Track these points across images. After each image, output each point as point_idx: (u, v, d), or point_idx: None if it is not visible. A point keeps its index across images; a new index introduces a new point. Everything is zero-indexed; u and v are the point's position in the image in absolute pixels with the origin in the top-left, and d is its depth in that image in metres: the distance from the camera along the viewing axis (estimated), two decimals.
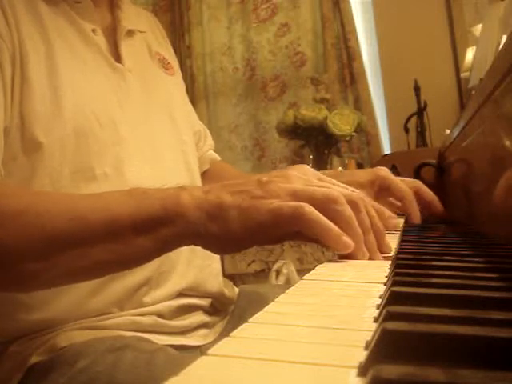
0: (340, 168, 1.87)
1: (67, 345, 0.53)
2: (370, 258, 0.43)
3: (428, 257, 0.40)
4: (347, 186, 0.47)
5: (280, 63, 2.30)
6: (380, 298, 0.27)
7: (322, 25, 2.21)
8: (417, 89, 1.76)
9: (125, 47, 0.68)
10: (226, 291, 0.73)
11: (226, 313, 0.73)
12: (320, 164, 1.88)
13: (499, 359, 0.16)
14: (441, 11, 2.09)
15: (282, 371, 0.17)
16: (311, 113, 1.83)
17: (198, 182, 0.75)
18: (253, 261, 1.75)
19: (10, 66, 0.55)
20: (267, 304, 0.26)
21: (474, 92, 0.85)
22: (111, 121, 0.61)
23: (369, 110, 2.10)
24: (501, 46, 0.51)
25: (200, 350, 0.63)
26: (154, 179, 0.64)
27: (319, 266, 0.39)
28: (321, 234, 0.40)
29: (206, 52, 2.40)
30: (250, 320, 0.23)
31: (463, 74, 1.95)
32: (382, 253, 0.45)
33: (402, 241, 0.53)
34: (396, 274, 0.31)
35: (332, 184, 0.46)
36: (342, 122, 1.80)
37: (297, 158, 2.22)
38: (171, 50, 0.85)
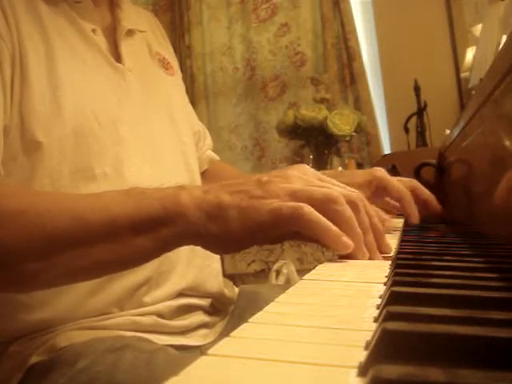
0: (340, 168, 1.87)
1: (67, 345, 0.53)
2: (369, 258, 0.43)
3: (428, 257, 0.40)
4: (347, 186, 0.47)
5: (280, 63, 2.30)
6: (380, 297, 0.27)
7: (322, 25, 2.21)
8: (417, 89, 1.76)
9: (125, 47, 0.68)
10: (226, 291, 0.73)
11: (226, 313, 0.73)
12: (320, 164, 1.88)
13: (499, 359, 0.16)
14: (441, 11, 2.09)
15: (282, 371, 0.17)
16: (311, 113, 1.83)
17: (198, 182, 0.75)
18: (253, 261, 1.75)
19: (10, 65, 0.55)
20: (267, 304, 0.26)
21: (474, 92, 0.85)
22: (111, 121, 0.61)
23: (369, 110, 2.10)
24: (501, 46, 0.51)
25: (200, 350, 0.63)
26: (154, 179, 0.64)
27: (319, 266, 0.39)
28: (320, 234, 0.40)
29: (206, 52, 2.40)
30: (250, 320, 0.23)
31: (463, 74, 1.95)
32: (381, 253, 0.45)
33: (402, 241, 0.53)
34: (396, 274, 0.31)
35: (332, 184, 0.46)
36: (342, 122, 1.80)
37: (297, 158, 2.22)
38: (171, 50, 0.85)
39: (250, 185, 0.43)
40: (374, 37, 2.20)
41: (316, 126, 1.83)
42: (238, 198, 0.42)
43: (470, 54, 1.84)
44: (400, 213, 0.72)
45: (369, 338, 0.20)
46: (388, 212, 0.71)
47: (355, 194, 0.45)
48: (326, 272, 0.37)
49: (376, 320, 0.23)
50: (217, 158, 0.91)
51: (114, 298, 0.58)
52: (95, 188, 0.58)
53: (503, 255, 0.42)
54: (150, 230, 0.43)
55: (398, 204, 0.68)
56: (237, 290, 0.79)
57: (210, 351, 0.18)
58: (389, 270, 0.36)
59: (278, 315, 0.24)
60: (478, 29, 1.67)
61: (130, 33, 0.71)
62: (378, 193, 0.67)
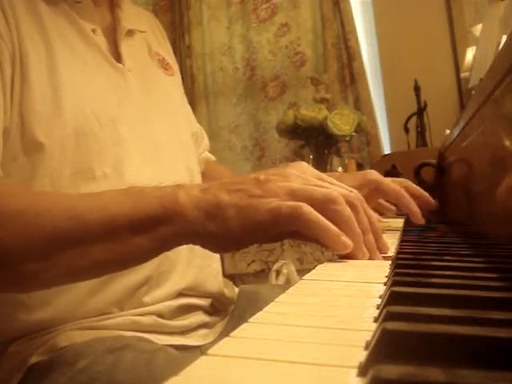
0: (340, 168, 1.87)
1: (67, 345, 0.53)
2: (369, 258, 0.43)
3: (428, 257, 0.40)
4: (346, 186, 0.46)
5: (280, 63, 2.30)
6: (380, 297, 0.27)
7: (322, 25, 2.21)
8: (417, 89, 1.76)
9: (125, 47, 0.68)
10: (226, 291, 0.73)
11: (226, 313, 0.73)
12: (320, 164, 1.88)
13: (499, 359, 0.16)
14: (441, 11, 2.09)
15: (282, 371, 0.17)
16: (311, 113, 1.83)
17: (198, 181, 0.75)
18: (253, 261, 1.75)
19: (10, 66, 0.55)
20: (267, 304, 0.26)
21: (474, 92, 0.85)
22: (111, 121, 0.61)
23: (369, 110, 2.10)
24: (501, 46, 0.51)
25: (200, 350, 0.63)
26: (154, 179, 0.64)
27: (319, 266, 0.39)
28: (320, 233, 0.40)
29: (206, 52, 2.40)
30: (250, 320, 0.23)
31: (463, 74, 1.95)
32: (380, 253, 0.45)
33: (402, 241, 0.53)
34: (396, 274, 0.31)
35: (330, 183, 0.46)
36: (342, 122, 1.80)
37: (297, 158, 2.21)
38: (171, 51, 0.85)
39: (248, 183, 0.43)
40: (374, 37, 2.20)
41: (316, 126, 1.83)
42: (237, 196, 0.42)
43: (469, 54, 1.84)
44: (400, 213, 0.72)
45: (369, 338, 0.20)
46: (381, 213, 0.71)
47: (354, 194, 0.45)
48: (326, 272, 0.37)
49: (376, 320, 0.23)
50: (213, 158, 0.92)
51: (114, 298, 0.58)
52: (95, 188, 0.58)
53: (503, 255, 0.42)
54: (149, 229, 0.43)
55: (392, 206, 0.68)
56: (237, 289, 0.79)
57: (210, 351, 0.18)
58: (389, 270, 0.36)
59: (278, 315, 0.24)
60: (477, 29, 1.67)
61: (130, 33, 0.71)
62: (371, 195, 0.66)
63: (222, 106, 2.38)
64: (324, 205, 0.41)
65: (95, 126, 0.59)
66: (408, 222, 0.72)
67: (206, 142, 0.90)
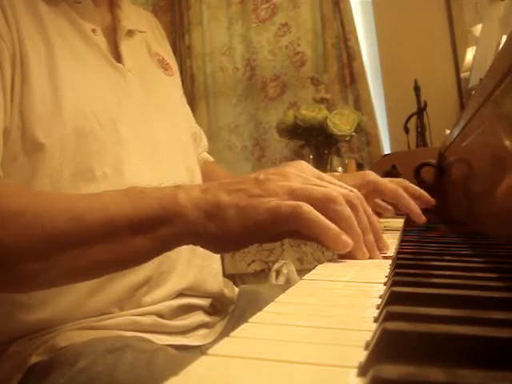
0: (340, 168, 1.87)
1: (67, 345, 0.53)
2: (369, 258, 0.43)
3: (428, 257, 0.40)
4: (346, 185, 0.46)
5: (280, 63, 2.30)
6: (380, 297, 0.27)
7: (322, 25, 2.21)
8: (417, 89, 1.76)
9: (125, 47, 0.68)
10: (226, 291, 0.73)
11: (226, 313, 0.73)
12: (320, 164, 1.88)
13: (499, 359, 0.16)
14: (441, 11, 2.09)
15: (282, 371, 0.17)
16: (311, 113, 1.83)
17: (198, 181, 0.75)
18: (253, 261, 1.75)
19: (10, 66, 0.55)
20: (267, 304, 0.26)
21: (474, 92, 0.85)
22: (111, 121, 0.61)
23: (369, 110, 2.10)
24: (501, 46, 0.51)
25: (200, 350, 0.63)
26: (154, 179, 0.64)
27: (319, 266, 0.39)
28: (319, 233, 0.40)
29: (206, 52, 2.40)
30: (250, 320, 0.23)
31: (463, 74, 1.95)
32: (379, 252, 0.45)
33: (402, 241, 0.53)
34: (396, 274, 0.31)
35: (330, 182, 0.46)
36: (341, 122, 1.80)
37: (297, 158, 2.21)
38: (170, 51, 0.85)
39: (248, 183, 0.43)
40: (374, 37, 2.20)
41: (316, 126, 1.83)
42: (237, 196, 0.42)
43: (469, 54, 1.84)
44: (400, 213, 0.72)
45: (369, 338, 0.20)
46: (378, 214, 0.71)
47: (354, 193, 0.45)
48: (326, 272, 0.37)
49: (376, 320, 0.23)
50: (211, 159, 0.91)
51: (114, 298, 0.58)
52: (95, 188, 0.58)
53: (503, 255, 0.42)
54: (149, 230, 0.43)
55: (389, 206, 0.68)
56: (237, 289, 0.79)
57: (209, 351, 0.18)
58: (389, 270, 0.36)
59: (278, 315, 0.24)
60: (477, 29, 1.67)
61: (130, 33, 0.71)
62: (370, 196, 0.66)
63: (222, 106, 2.38)
64: (324, 204, 0.41)
65: (95, 126, 0.59)
66: (408, 222, 0.72)
67: (204, 142, 0.90)
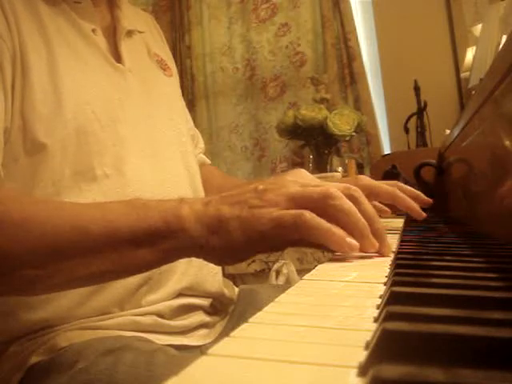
0: (340, 168, 1.87)
1: (67, 345, 0.53)
2: (379, 248, 0.43)
3: (428, 257, 0.40)
4: (344, 184, 0.46)
5: (280, 63, 2.30)
6: (380, 297, 0.27)
7: (322, 25, 2.22)
8: (417, 89, 1.76)
9: (125, 47, 0.68)
10: (226, 291, 0.73)
11: (226, 313, 0.73)
12: (320, 164, 1.88)
13: (499, 359, 0.16)
14: (441, 11, 2.09)
15: (282, 371, 0.17)
16: (311, 113, 1.83)
17: (198, 182, 0.75)
18: (253, 261, 1.75)
19: (11, 66, 0.55)
20: (267, 304, 0.26)
21: (474, 92, 0.85)
22: (111, 121, 0.61)
23: (369, 109, 2.10)
24: (501, 46, 0.51)
25: (200, 350, 0.63)
26: (154, 179, 0.64)
27: (319, 266, 0.39)
28: (324, 239, 0.40)
29: (206, 52, 2.40)
30: (250, 320, 0.23)
31: (463, 74, 1.95)
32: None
33: (402, 241, 0.53)
34: (396, 274, 0.31)
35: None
36: (341, 122, 1.80)
37: (297, 158, 2.22)
38: (169, 52, 0.85)
39: (247, 195, 0.43)
40: (374, 37, 2.20)
41: (316, 126, 1.83)
42: (238, 208, 0.42)
43: (469, 54, 1.84)
44: (400, 213, 0.72)
45: (369, 338, 0.20)
46: None
47: (353, 188, 0.45)
48: (326, 272, 0.37)
49: (376, 320, 0.23)
50: (208, 161, 0.92)
51: (114, 298, 0.58)
52: (96, 188, 0.58)
53: (503, 255, 0.42)
54: (151, 243, 0.43)
55: (387, 208, 0.68)
56: (237, 289, 0.79)
57: (209, 351, 0.18)
58: (389, 270, 0.36)
59: (278, 315, 0.24)
60: (477, 29, 1.67)
61: (130, 33, 0.71)
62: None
63: (222, 106, 2.38)
64: (323, 202, 0.41)
65: (96, 126, 0.59)
66: (408, 222, 0.72)
67: (201, 144, 0.90)
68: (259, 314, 0.24)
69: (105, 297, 0.57)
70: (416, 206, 0.65)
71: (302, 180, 0.46)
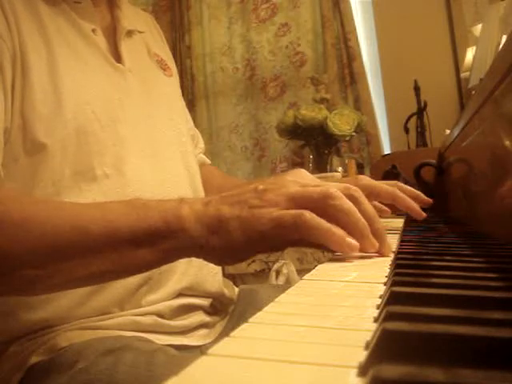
0: (340, 168, 1.87)
1: (67, 345, 0.53)
2: (379, 248, 0.43)
3: (428, 257, 0.40)
4: (344, 184, 0.46)
5: (280, 63, 2.30)
6: (380, 297, 0.27)
7: (322, 25, 2.22)
8: (417, 89, 1.76)
9: (125, 47, 0.68)
10: (226, 291, 0.73)
11: (226, 313, 0.73)
12: (320, 164, 1.88)
13: (499, 359, 0.16)
14: (441, 11, 2.09)
15: (282, 371, 0.17)
16: (311, 113, 1.83)
17: (198, 182, 0.75)
18: (253, 261, 1.75)
19: (11, 66, 0.55)
20: (267, 304, 0.26)
21: (474, 92, 0.85)
22: (112, 120, 0.61)
23: (369, 109, 2.10)
24: (501, 46, 0.51)
25: (200, 350, 0.63)
26: (154, 179, 0.64)
27: (319, 266, 0.39)
28: (324, 239, 0.40)
29: (206, 52, 2.40)
30: (250, 320, 0.23)
31: (463, 74, 1.95)
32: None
33: (402, 241, 0.53)
34: (396, 274, 0.31)
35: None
36: (341, 122, 1.80)
37: (297, 158, 2.22)
38: (169, 53, 0.85)
39: (247, 195, 0.43)
40: (374, 37, 2.20)
41: (316, 126, 1.83)
42: (238, 208, 0.42)
43: (469, 54, 1.84)
44: (400, 213, 0.72)
45: (369, 338, 0.20)
46: None
47: (353, 188, 0.45)
48: (326, 272, 0.37)
49: (376, 320, 0.23)
50: (208, 161, 0.92)
51: (114, 298, 0.58)
52: (97, 188, 0.58)
53: (503, 255, 0.42)
54: (151, 243, 0.43)
55: (387, 208, 0.68)
56: (237, 289, 0.79)
57: (209, 351, 0.18)
58: (389, 270, 0.36)
59: (278, 315, 0.24)
60: (477, 29, 1.67)
61: (130, 33, 0.71)
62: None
63: (222, 106, 2.38)
64: (322, 202, 0.41)
65: (96, 126, 0.59)
66: (408, 222, 0.72)
67: (201, 145, 0.90)
68: (259, 314, 0.24)
69: (105, 297, 0.57)
70: (416, 206, 0.65)
71: (302, 180, 0.46)
